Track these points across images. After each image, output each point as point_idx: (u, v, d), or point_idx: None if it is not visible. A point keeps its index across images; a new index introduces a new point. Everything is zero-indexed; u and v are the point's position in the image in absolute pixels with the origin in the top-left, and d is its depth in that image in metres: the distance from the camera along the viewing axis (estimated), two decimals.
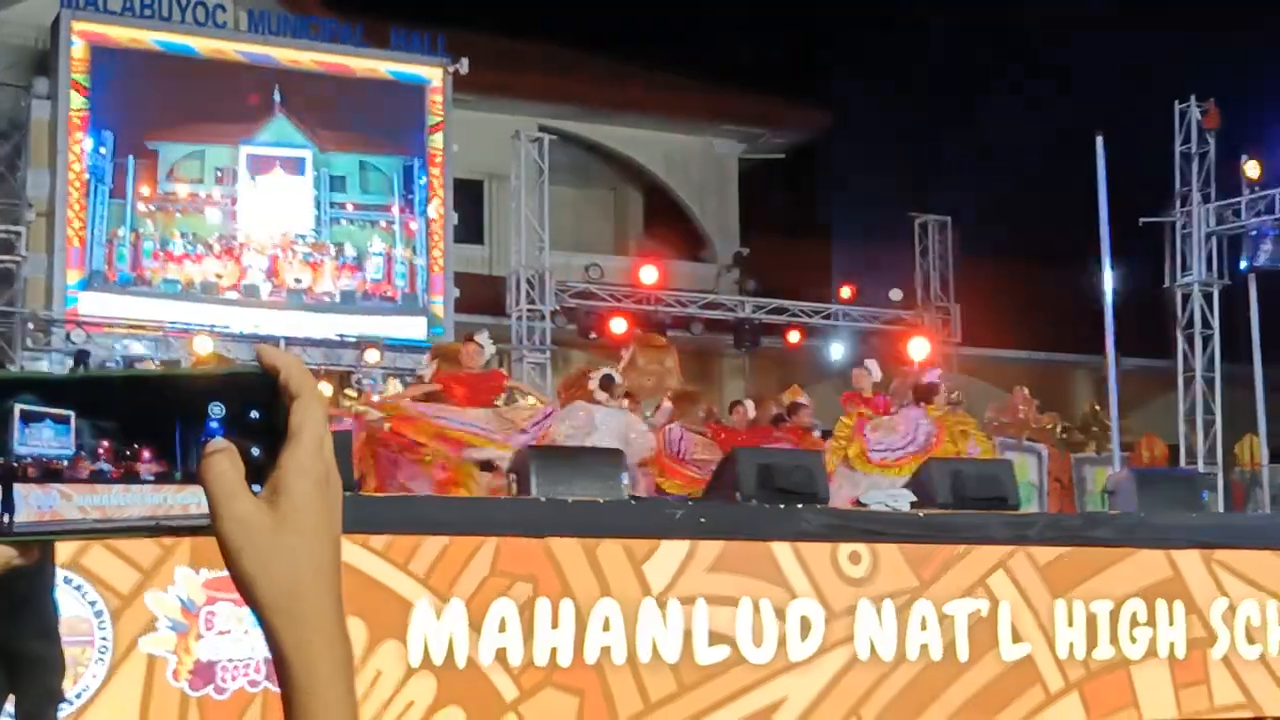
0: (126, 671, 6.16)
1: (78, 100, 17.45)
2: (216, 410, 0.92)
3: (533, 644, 6.79)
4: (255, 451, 0.92)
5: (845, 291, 21.41)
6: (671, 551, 7.15)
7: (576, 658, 6.88)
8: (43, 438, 0.91)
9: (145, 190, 17.77)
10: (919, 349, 19.47)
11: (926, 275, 21.95)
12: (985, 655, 7.70)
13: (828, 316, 21.04)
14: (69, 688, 5.85)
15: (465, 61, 18.96)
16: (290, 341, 17.58)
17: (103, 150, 17.45)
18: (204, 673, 6.25)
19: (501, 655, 6.76)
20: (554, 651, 6.85)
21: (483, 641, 6.72)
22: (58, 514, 0.92)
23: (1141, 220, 18.37)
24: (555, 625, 6.84)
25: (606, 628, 6.91)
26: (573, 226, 21.30)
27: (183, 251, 17.86)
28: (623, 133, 23.20)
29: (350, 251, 18.60)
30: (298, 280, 18.26)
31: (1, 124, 18.03)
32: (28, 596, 2.98)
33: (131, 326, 17.03)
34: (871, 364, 12.31)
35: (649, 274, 20.20)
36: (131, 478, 0.92)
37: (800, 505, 7.76)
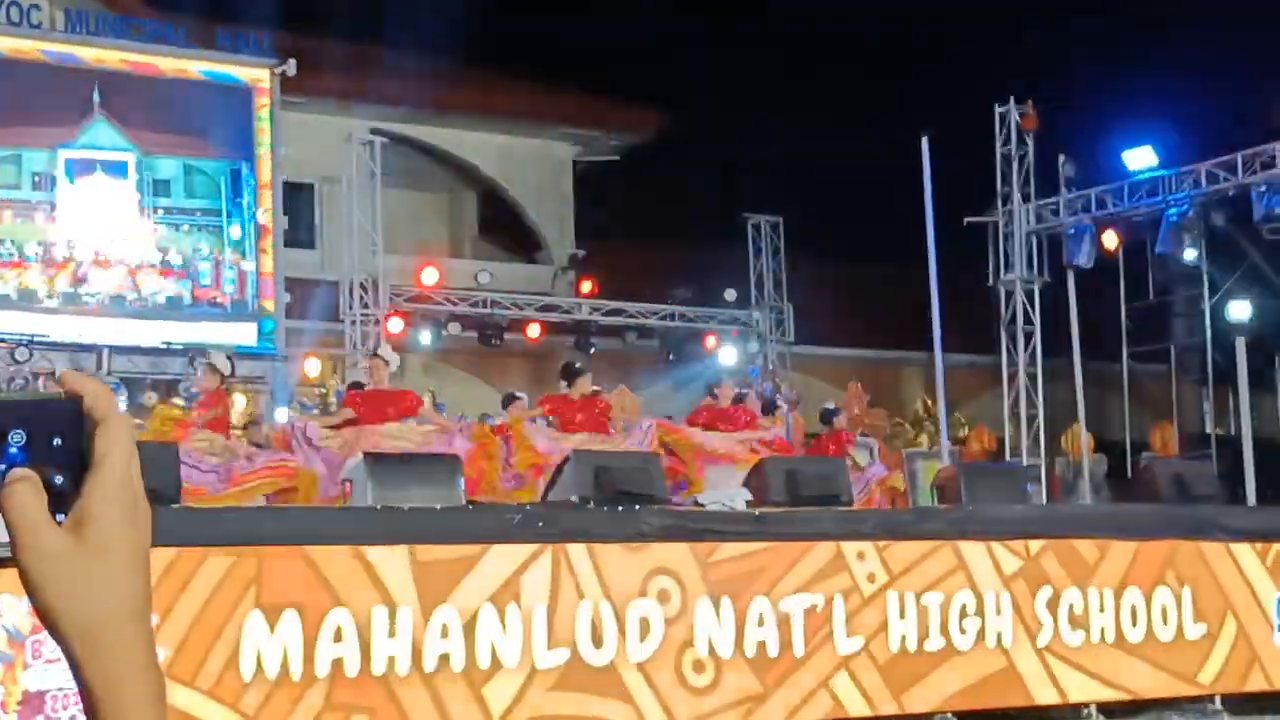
0: None
1: None
2: (17, 438, 0.89)
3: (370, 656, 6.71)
4: (59, 480, 0.89)
5: (680, 292, 21.59)
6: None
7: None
8: None
9: None
10: (751, 349, 19.70)
11: (760, 275, 22.23)
12: (821, 649, 7.82)
13: (664, 318, 21.17)
14: None
15: (293, 63, 18.61)
16: (115, 350, 17.10)
17: None
18: (33, 703, 6.03)
19: (338, 664, 6.66)
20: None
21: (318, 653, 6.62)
22: None
23: (966, 220, 18.89)
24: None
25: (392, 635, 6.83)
26: (407, 230, 21.09)
27: (0, 259, 17.25)
28: (457, 135, 23.07)
29: (176, 257, 18.14)
30: (121, 287, 17.75)
31: None
32: None
33: None
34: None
35: (484, 277, 20.19)
36: None
37: (638, 506, 7.79)
